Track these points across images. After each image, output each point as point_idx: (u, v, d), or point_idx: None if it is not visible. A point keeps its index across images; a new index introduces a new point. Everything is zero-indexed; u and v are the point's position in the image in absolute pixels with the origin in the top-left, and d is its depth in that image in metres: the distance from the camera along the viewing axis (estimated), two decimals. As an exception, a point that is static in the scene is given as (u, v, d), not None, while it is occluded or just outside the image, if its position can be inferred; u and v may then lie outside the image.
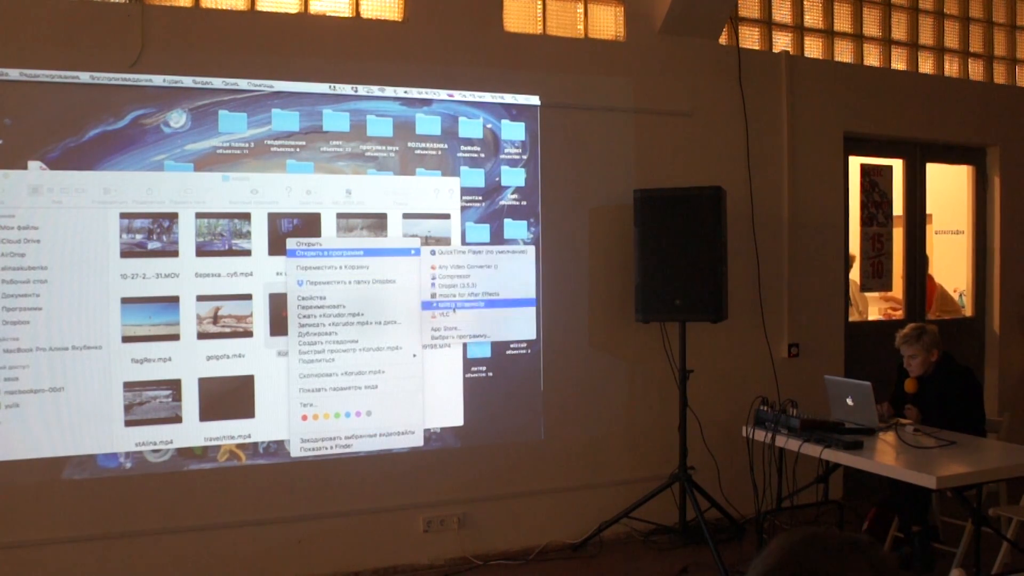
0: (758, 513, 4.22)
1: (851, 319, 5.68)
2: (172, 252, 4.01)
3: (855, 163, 5.62)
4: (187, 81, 4.00)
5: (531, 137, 4.64)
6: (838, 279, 5.44)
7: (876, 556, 1.06)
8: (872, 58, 5.67)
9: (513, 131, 4.61)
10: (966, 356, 4.82)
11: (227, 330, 4.10)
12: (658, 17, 4.86)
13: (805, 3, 5.42)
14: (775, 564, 1.06)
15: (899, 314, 5.95)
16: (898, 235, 5.85)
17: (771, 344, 5.11)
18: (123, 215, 3.94)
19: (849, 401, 3.98)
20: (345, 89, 4.28)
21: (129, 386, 3.95)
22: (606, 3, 4.88)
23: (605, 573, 4.35)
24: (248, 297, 4.14)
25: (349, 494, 4.29)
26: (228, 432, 4.10)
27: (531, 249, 4.63)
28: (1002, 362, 6.01)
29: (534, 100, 4.63)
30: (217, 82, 4.04)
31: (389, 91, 4.34)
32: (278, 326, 4.18)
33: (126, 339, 3.95)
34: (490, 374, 4.56)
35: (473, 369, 4.53)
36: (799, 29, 5.41)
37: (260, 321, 4.15)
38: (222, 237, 4.10)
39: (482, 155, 4.55)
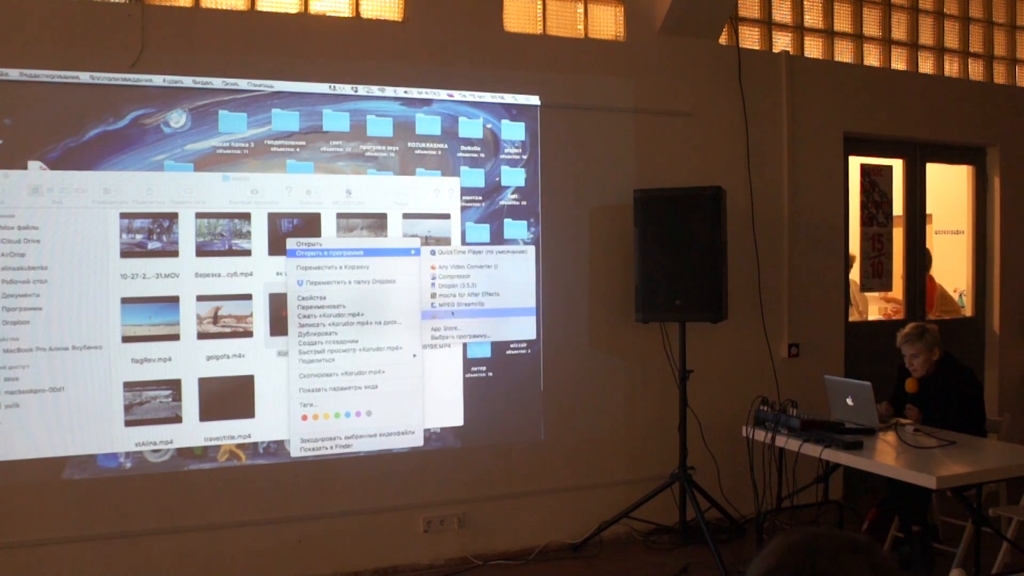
0: (758, 513, 4.22)
1: (851, 319, 5.68)
2: (172, 252, 4.01)
3: (855, 163, 5.62)
4: (187, 81, 4.00)
5: (531, 137, 4.64)
6: (838, 279, 5.44)
7: (876, 556, 1.06)
8: (872, 58, 5.67)
9: (513, 131, 4.61)
10: (966, 356, 4.82)
11: (227, 330, 4.10)
12: (658, 17, 4.86)
13: (805, 3, 5.42)
14: (775, 564, 1.06)
15: (899, 315, 5.95)
16: (898, 235, 5.85)
17: (771, 344, 5.11)
18: (123, 215, 3.94)
19: (849, 401, 3.98)
20: (345, 89, 4.28)
21: (129, 386, 3.95)
22: (606, 3, 4.88)
23: (605, 573, 4.35)
24: (248, 297, 4.14)
25: (349, 494, 4.29)
26: (228, 432, 4.10)
27: (531, 249, 4.64)
28: (1002, 362, 6.01)
29: (534, 100, 4.63)
30: (217, 82, 4.04)
31: (389, 91, 4.35)
32: (278, 326, 4.18)
33: (126, 339, 3.95)
34: (490, 374, 4.56)
35: (473, 369, 4.53)
36: (799, 29, 5.41)
37: (260, 321, 4.15)
38: (222, 237, 4.10)
39: (482, 155, 4.55)
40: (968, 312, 6.16)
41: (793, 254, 5.23)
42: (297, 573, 4.18)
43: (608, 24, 4.89)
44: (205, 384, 4.06)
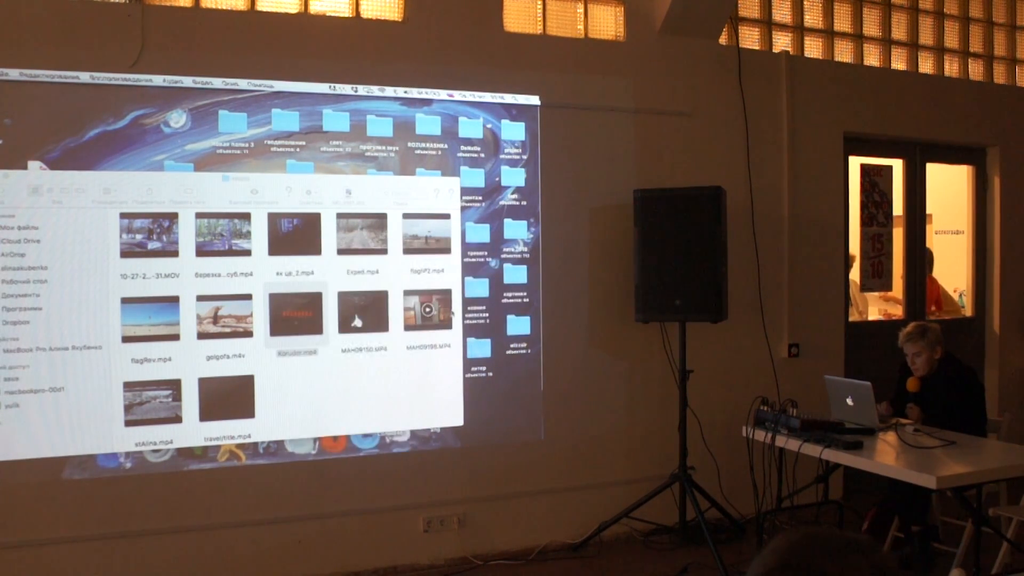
0: (758, 513, 4.22)
1: (851, 319, 5.68)
2: (172, 252, 4.01)
3: (855, 163, 5.62)
4: (187, 81, 4.00)
5: (531, 137, 4.64)
6: (838, 279, 5.44)
7: (876, 556, 1.06)
8: (872, 58, 5.67)
9: (513, 131, 4.61)
10: (966, 356, 4.81)
11: (227, 330, 4.10)
12: (658, 17, 4.86)
13: (805, 3, 5.42)
14: (775, 564, 1.06)
15: (898, 315, 5.95)
16: (898, 235, 5.85)
17: (771, 344, 5.11)
18: (123, 215, 3.94)
19: (849, 401, 3.98)
20: (345, 89, 4.28)
21: (129, 386, 3.95)
22: (606, 3, 4.88)
23: (605, 573, 4.35)
24: (248, 297, 4.14)
25: (349, 494, 4.29)
26: (228, 432, 4.10)
27: (531, 250, 4.64)
28: (1002, 362, 6.01)
29: (534, 100, 4.63)
30: (217, 82, 4.04)
31: (389, 91, 4.35)
32: (278, 326, 4.18)
33: (126, 339, 3.95)
34: (490, 374, 4.56)
35: (473, 369, 4.53)
36: (799, 29, 5.41)
37: (260, 321, 4.15)
38: (222, 237, 4.10)
39: (482, 155, 4.55)
40: (968, 312, 6.16)
41: (793, 254, 5.23)
42: (297, 573, 4.18)
43: (608, 24, 4.89)
44: (205, 384, 4.06)
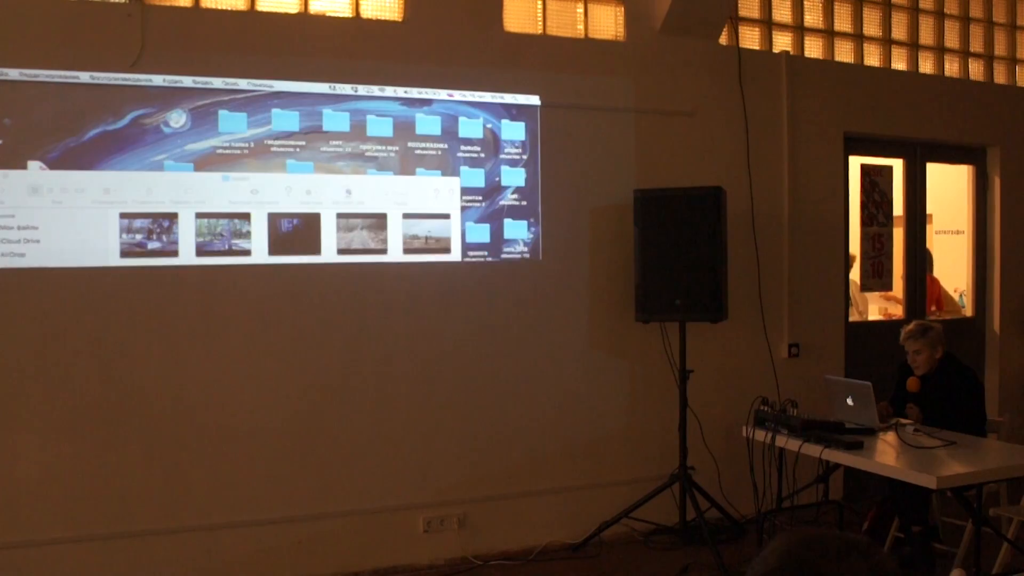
0: (758, 513, 4.22)
1: (851, 319, 5.68)
2: (172, 252, 4.01)
3: (855, 163, 5.62)
4: (187, 81, 4.00)
5: (531, 137, 4.64)
6: (838, 279, 5.44)
7: (876, 558, 1.06)
8: (872, 58, 5.67)
9: (513, 131, 4.61)
10: (966, 356, 4.81)
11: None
12: (658, 17, 4.86)
13: (805, 3, 5.42)
14: (775, 566, 1.06)
15: (899, 312, 5.95)
16: (898, 235, 5.85)
17: (771, 344, 5.11)
18: (123, 215, 3.94)
19: (849, 401, 3.98)
20: (345, 89, 4.28)
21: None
22: (606, 3, 4.88)
23: (605, 573, 4.35)
24: (248, 297, 4.14)
25: (349, 494, 4.29)
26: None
27: (531, 250, 4.64)
28: (1002, 362, 6.01)
29: (534, 100, 4.63)
30: (217, 82, 4.04)
31: (389, 91, 4.34)
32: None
33: (126, 339, 3.95)
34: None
35: (473, 369, 4.54)
36: (799, 29, 5.41)
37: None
38: (222, 237, 4.10)
39: (482, 155, 4.54)
40: (968, 312, 6.16)
41: (793, 254, 5.23)
42: (297, 573, 4.18)
43: (608, 24, 4.89)
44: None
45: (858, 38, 5.61)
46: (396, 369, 4.37)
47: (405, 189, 4.39)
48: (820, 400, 4.31)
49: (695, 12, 4.82)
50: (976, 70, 6.08)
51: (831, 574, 1.03)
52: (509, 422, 4.59)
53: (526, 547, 4.57)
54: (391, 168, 4.38)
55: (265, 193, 4.15)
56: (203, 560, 4.04)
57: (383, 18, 4.41)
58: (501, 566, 4.42)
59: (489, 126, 4.56)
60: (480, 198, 4.54)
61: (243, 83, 4.10)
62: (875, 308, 6.36)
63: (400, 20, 4.42)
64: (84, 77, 3.85)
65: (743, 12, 5.21)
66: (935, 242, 6.37)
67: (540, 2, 4.74)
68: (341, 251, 4.29)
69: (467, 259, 4.51)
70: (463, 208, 4.50)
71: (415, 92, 4.38)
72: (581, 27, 4.84)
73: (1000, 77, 6.18)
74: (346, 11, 4.36)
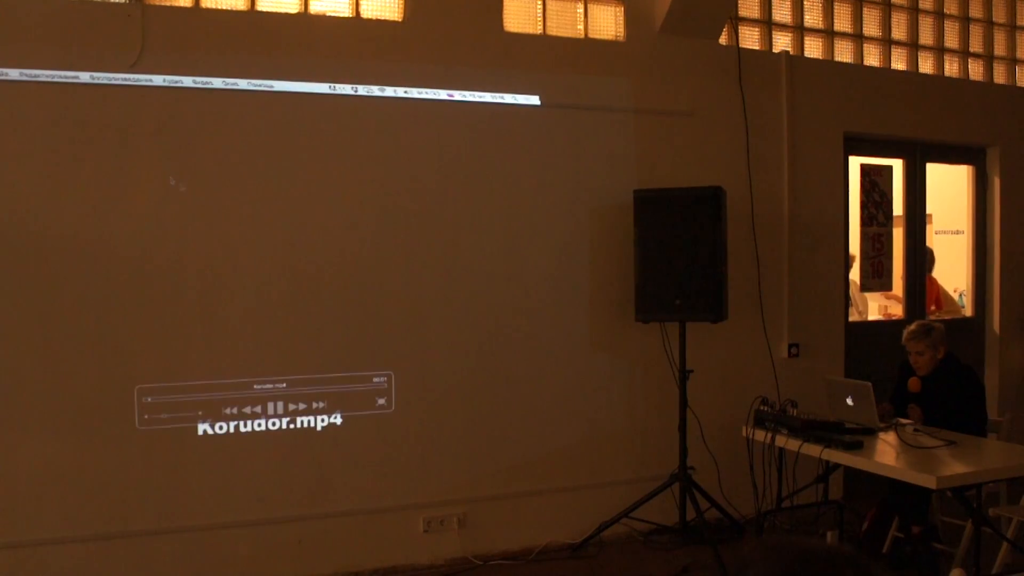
0: (758, 513, 4.22)
1: (851, 319, 5.68)
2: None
3: (855, 163, 5.62)
4: (187, 81, 4.00)
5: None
6: (838, 279, 5.44)
7: (866, 569, 1.05)
8: (872, 58, 5.67)
9: (513, 131, 4.61)
10: (966, 356, 4.81)
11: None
12: (658, 17, 4.86)
13: (805, 3, 5.42)
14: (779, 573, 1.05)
15: (899, 312, 5.95)
16: (898, 235, 5.85)
17: (771, 344, 5.11)
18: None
19: (849, 401, 3.98)
20: (345, 89, 4.27)
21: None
22: (606, 3, 4.88)
23: (605, 573, 4.35)
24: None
25: (349, 494, 4.29)
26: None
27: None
28: (1002, 362, 6.01)
29: (534, 100, 4.63)
30: (217, 82, 4.04)
31: (389, 91, 4.34)
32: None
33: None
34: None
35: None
36: (799, 29, 5.41)
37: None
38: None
39: (482, 155, 4.54)
40: (968, 312, 6.16)
41: (793, 254, 5.23)
42: (297, 573, 4.18)
43: (608, 24, 4.89)
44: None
45: (858, 38, 5.61)
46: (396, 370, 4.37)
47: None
48: (820, 400, 4.31)
49: (695, 12, 4.82)
50: (976, 70, 6.08)
51: None
52: (509, 422, 4.59)
53: (526, 547, 4.57)
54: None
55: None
56: (203, 560, 4.03)
57: (383, 18, 4.41)
58: (501, 566, 4.42)
59: (489, 126, 4.55)
60: (480, 198, 4.54)
61: (243, 83, 4.10)
62: (875, 308, 6.37)
63: (400, 20, 4.42)
64: (84, 77, 3.84)
65: (743, 12, 5.21)
66: (935, 242, 6.37)
67: (540, 2, 4.74)
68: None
69: (467, 259, 4.52)
70: (463, 208, 4.50)
71: (415, 92, 4.38)
72: (581, 27, 4.84)
73: (1000, 77, 6.18)
74: (346, 11, 4.36)
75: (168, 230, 3.96)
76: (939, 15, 5.91)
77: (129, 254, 3.90)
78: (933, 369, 4.20)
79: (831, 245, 5.39)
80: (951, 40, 5.97)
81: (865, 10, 5.62)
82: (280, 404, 4.16)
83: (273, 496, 4.16)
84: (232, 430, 4.08)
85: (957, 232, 6.27)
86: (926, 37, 5.86)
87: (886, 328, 5.64)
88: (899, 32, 5.77)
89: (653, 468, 4.75)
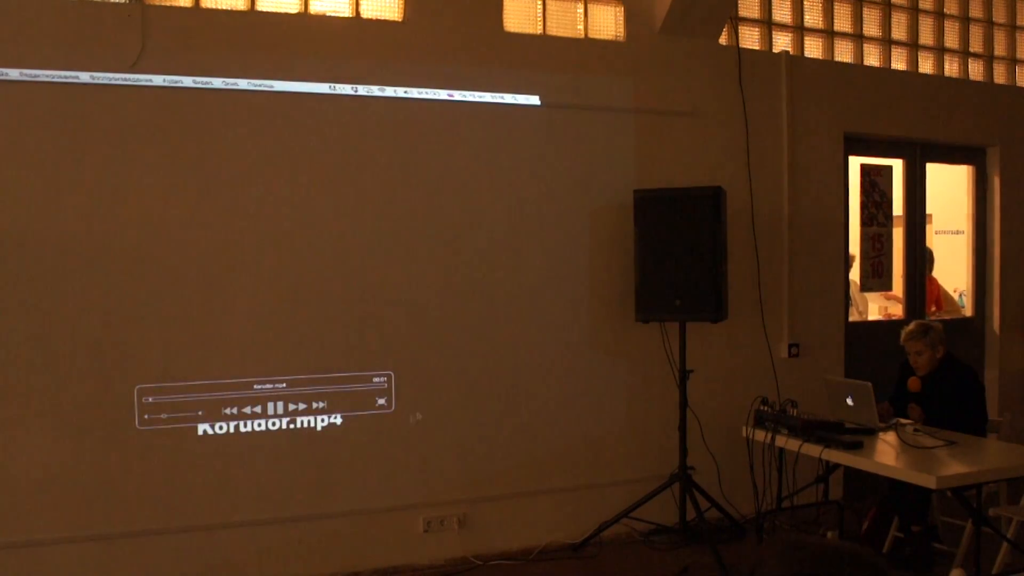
0: (758, 513, 4.22)
1: (851, 319, 5.68)
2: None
3: (855, 163, 5.62)
4: (187, 81, 4.00)
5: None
6: (838, 279, 5.44)
7: (881, 566, 1.05)
8: (872, 58, 5.67)
9: (513, 131, 4.61)
10: (966, 356, 4.82)
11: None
12: (658, 17, 4.86)
13: (805, 3, 5.42)
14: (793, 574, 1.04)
15: (899, 312, 5.95)
16: (898, 235, 5.85)
17: (771, 344, 5.11)
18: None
19: (849, 401, 3.98)
20: (345, 89, 4.27)
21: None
22: (606, 3, 4.88)
23: (605, 573, 4.35)
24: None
25: (349, 494, 4.29)
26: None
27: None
28: (1002, 362, 6.01)
29: (534, 100, 4.63)
30: (217, 82, 4.04)
31: (389, 91, 4.34)
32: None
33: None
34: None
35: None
36: (799, 29, 5.41)
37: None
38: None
39: (482, 155, 4.54)
40: (968, 312, 6.16)
41: (793, 254, 5.23)
42: (297, 573, 4.18)
43: (608, 24, 4.89)
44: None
45: (858, 38, 5.61)
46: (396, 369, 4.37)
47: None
48: (820, 400, 4.31)
49: (695, 12, 4.82)
50: (976, 70, 6.08)
51: None
52: (509, 422, 4.59)
53: (526, 547, 4.57)
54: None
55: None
56: (203, 560, 4.03)
57: (383, 18, 4.41)
58: (501, 566, 4.42)
59: (489, 126, 4.55)
60: (480, 198, 4.54)
61: (243, 83, 4.10)
62: (875, 308, 6.37)
63: (400, 20, 4.42)
64: (84, 77, 3.84)
65: (743, 12, 5.21)
66: (935, 242, 6.37)
67: (540, 2, 4.74)
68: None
69: (467, 259, 4.52)
70: (463, 208, 4.50)
71: (415, 92, 4.38)
72: (581, 27, 4.84)
73: (1000, 77, 6.18)
74: (346, 11, 4.36)
75: (168, 230, 3.96)
76: (939, 15, 5.91)
77: (129, 254, 3.90)
78: (933, 369, 4.20)
79: (831, 245, 5.39)
80: (951, 40, 5.97)
81: (865, 10, 5.62)
82: (280, 404, 4.17)
83: (273, 496, 4.16)
84: (232, 430, 4.09)
85: (957, 232, 6.27)
86: (926, 37, 5.86)
87: (886, 328, 5.63)
88: (899, 32, 5.76)
89: (653, 468, 4.75)
